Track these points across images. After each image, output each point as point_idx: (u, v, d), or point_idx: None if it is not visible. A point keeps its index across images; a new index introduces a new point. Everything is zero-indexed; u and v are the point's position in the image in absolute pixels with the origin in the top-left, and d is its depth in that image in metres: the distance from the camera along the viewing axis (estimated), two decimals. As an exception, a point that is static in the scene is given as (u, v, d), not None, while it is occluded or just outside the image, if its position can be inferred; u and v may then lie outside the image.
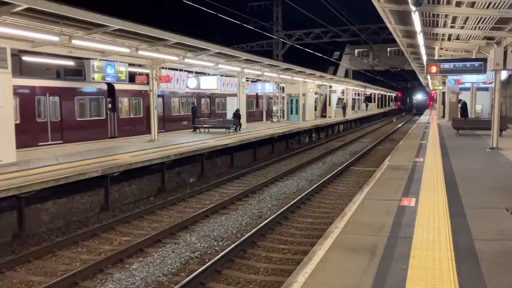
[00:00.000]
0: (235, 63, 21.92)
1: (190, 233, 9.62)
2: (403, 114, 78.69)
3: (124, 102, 21.23)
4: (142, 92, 21.96)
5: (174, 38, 14.43)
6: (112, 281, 7.10)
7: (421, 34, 14.68)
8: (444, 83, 32.59)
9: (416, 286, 4.23)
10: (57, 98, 17.47)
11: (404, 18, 13.51)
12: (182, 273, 7.44)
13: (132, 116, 21.76)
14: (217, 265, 7.55)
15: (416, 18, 11.87)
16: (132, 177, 12.94)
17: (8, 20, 10.29)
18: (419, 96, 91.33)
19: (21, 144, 13.80)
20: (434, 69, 15.52)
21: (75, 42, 11.81)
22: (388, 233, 5.92)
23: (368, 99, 63.77)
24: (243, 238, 8.79)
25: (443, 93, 35.56)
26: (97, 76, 15.64)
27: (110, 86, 19.91)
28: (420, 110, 78.93)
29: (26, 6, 9.17)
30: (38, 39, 11.75)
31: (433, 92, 58.01)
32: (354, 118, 43.98)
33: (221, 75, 23.75)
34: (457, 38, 16.90)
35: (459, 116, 24.12)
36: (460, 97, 28.45)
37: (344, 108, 42.95)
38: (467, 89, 25.79)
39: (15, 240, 9.22)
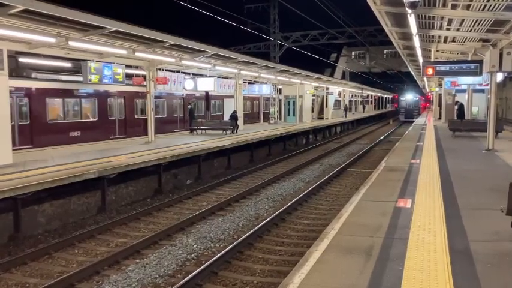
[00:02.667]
0: (232, 64, 21.94)
1: (187, 234, 9.62)
2: (391, 121, 57.83)
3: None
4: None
5: (171, 39, 14.45)
6: (108, 282, 7.09)
7: (417, 36, 14.75)
8: (440, 84, 32.69)
9: (411, 287, 4.24)
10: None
11: (400, 21, 13.56)
12: (179, 275, 7.45)
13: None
14: (214, 266, 7.56)
15: (412, 20, 11.92)
16: (129, 178, 12.93)
17: (4, 21, 10.27)
18: (408, 97, 57.92)
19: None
20: (430, 71, 15.59)
21: (72, 43, 11.80)
22: (384, 234, 5.94)
23: (365, 101, 63.82)
24: (239, 239, 8.80)
25: (440, 95, 35.67)
26: (94, 78, 15.60)
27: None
28: (410, 116, 53.63)
29: (22, 7, 9.17)
30: (35, 40, 11.74)
31: (429, 93, 58.23)
32: (351, 120, 44.05)
33: (218, 77, 23.77)
34: (453, 40, 16.96)
35: (456, 118, 24.19)
36: (456, 99, 28.53)
37: (346, 109, 44.76)
38: (464, 90, 25.87)
39: (11, 242, 9.20)
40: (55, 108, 18.02)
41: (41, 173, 10.62)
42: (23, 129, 16.45)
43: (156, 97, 23.13)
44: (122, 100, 21.54)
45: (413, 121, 41.07)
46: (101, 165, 12.01)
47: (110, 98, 20.69)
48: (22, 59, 18.23)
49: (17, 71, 17.60)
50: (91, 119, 19.72)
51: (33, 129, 16.81)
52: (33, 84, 17.08)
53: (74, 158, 13.25)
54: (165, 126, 24.10)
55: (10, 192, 8.94)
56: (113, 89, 20.38)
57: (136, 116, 22.50)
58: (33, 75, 18.16)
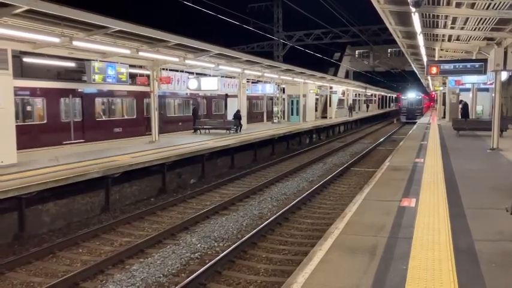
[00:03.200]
0: (236, 64, 21.94)
1: (191, 233, 9.63)
2: (395, 120, 54.57)
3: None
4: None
5: (174, 39, 14.46)
6: (112, 281, 7.11)
7: (421, 35, 14.72)
8: (445, 83, 32.58)
9: (416, 286, 4.23)
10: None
11: (404, 19, 13.53)
12: (182, 274, 7.46)
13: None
14: (218, 266, 7.57)
15: (416, 19, 11.89)
16: (133, 178, 12.95)
17: (9, 21, 10.31)
18: (410, 96, 51.54)
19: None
20: (434, 70, 15.54)
21: (76, 43, 11.82)
22: (388, 234, 5.93)
23: (368, 100, 63.67)
24: (243, 239, 8.80)
25: (444, 94, 35.55)
26: (97, 77, 15.64)
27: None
28: (413, 116, 47.73)
29: (26, 7, 9.20)
30: (39, 40, 11.77)
31: (433, 92, 57.98)
32: (355, 119, 43.99)
33: (222, 76, 23.78)
34: (457, 39, 16.92)
35: (460, 117, 24.11)
36: (460, 98, 28.44)
37: (350, 109, 45.44)
38: (468, 89, 25.78)
39: (16, 241, 9.24)
40: (102, 107, 20.38)
41: (45, 173, 10.65)
42: (77, 126, 18.71)
43: (180, 96, 26.00)
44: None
45: (416, 122, 36.22)
46: (104, 164, 12.04)
47: (146, 98, 21.78)
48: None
49: (73, 75, 19.96)
50: (131, 117, 22.21)
51: (85, 126, 19.01)
52: (85, 86, 18.98)
53: (78, 157, 13.28)
54: (187, 124, 25.56)
55: (14, 191, 8.98)
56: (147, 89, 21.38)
57: (167, 115, 25.05)
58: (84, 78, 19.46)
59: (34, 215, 9.91)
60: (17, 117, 14.27)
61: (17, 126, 12.23)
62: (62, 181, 10.15)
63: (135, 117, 22.40)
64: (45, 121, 17.45)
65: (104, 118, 20.46)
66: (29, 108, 17.16)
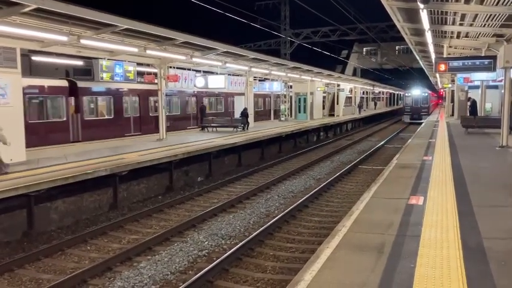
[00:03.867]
0: (243, 62, 21.93)
1: (198, 231, 9.65)
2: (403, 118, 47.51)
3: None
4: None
5: (181, 37, 14.47)
6: (120, 279, 7.14)
7: (430, 32, 14.59)
8: (453, 81, 32.34)
9: (423, 284, 4.21)
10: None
11: (412, 16, 13.42)
12: (190, 272, 7.48)
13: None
14: (225, 263, 7.58)
15: (424, 15, 11.79)
16: (141, 176, 13.01)
17: (17, 20, 10.38)
18: (415, 92, 45.51)
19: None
20: (443, 67, 15.40)
21: (83, 42, 11.89)
22: (396, 232, 5.90)
23: (376, 98, 63.29)
24: (250, 236, 8.81)
25: (453, 91, 35.30)
26: (105, 76, 15.73)
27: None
28: (418, 116, 43.25)
29: (34, 6, 9.25)
30: (47, 39, 11.84)
31: (442, 90, 57.53)
32: (363, 117, 43.82)
33: (229, 75, 23.80)
34: (466, 36, 16.76)
35: (468, 114, 23.92)
36: (469, 95, 28.22)
37: (360, 106, 46.22)
38: (477, 87, 25.56)
39: (25, 238, 9.31)
40: (156, 104, 21.94)
41: (54, 171, 10.72)
42: (135, 121, 21.23)
43: (209, 94, 27.92)
44: (194, 98, 26.57)
45: (422, 122, 32.42)
46: (112, 162, 12.10)
47: (191, 97, 25.06)
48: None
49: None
50: (177, 113, 24.84)
51: (141, 121, 21.41)
52: (142, 86, 21.40)
53: (87, 155, 13.35)
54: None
55: (23, 189, 9.05)
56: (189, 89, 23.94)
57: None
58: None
59: (43, 213, 9.98)
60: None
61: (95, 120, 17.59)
62: (70, 179, 10.21)
63: (179, 113, 25.15)
64: (112, 116, 20.07)
65: (156, 114, 21.44)
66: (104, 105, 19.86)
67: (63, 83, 17.88)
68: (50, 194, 9.98)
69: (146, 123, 21.98)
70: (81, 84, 18.41)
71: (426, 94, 45.33)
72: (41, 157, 12.77)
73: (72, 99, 18.02)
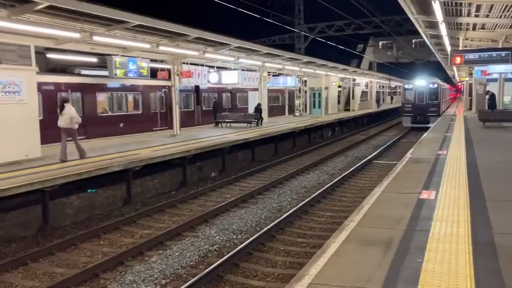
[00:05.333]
0: (256, 57, 21.89)
1: (210, 226, 9.69)
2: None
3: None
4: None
5: (194, 32, 14.51)
6: (131, 273, 7.22)
7: (444, 24, 14.37)
8: (471, 74, 31.81)
9: (430, 279, 4.16)
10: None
11: (425, 8, 13.25)
12: (200, 266, 7.52)
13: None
14: (235, 258, 7.60)
15: (437, 7, 11.62)
16: (155, 171, 13.10)
17: (31, 18, 10.53)
18: (419, 83, 30.99)
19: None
20: (458, 60, 15.18)
21: (96, 38, 11.99)
22: (406, 226, 5.83)
23: (393, 92, 62.50)
24: (261, 231, 8.81)
25: (471, 84, 34.71)
26: (119, 72, 15.83)
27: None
28: (423, 118, 30.23)
29: (47, 3, 9.37)
30: (60, 36, 11.98)
31: (460, 83, 56.59)
32: (379, 111, 43.40)
33: (243, 70, 23.78)
34: (482, 27, 16.49)
35: (486, 108, 23.51)
36: (487, 88, 27.72)
37: (378, 101, 46.72)
38: (495, 79, 25.10)
39: (39, 233, 9.47)
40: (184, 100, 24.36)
41: (68, 166, 10.87)
42: (163, 116, 22.30)
43: (239, 90, 29.41)
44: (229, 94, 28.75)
45: (428, 127, 22.98)
46: (126, 158, 12.21)
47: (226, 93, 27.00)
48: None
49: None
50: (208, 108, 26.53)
51: (167, 116, 22.03)
52: (167, 83, 21.98)
53: (101, 151, 13.49)
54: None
55: (38, 184, 9.20)
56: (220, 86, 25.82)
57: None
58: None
59: (57, 208, 10.13)
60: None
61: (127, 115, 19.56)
62: (84, 174, 10.34)
63: (204, 109, 26.60)
64: (140, 111, 21.04)
65: (183, 109, 23.37)
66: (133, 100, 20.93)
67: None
68: (64, 189, 10.12)
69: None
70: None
71: (435, 86, 30.60)
72: (56, 153, 12.93)
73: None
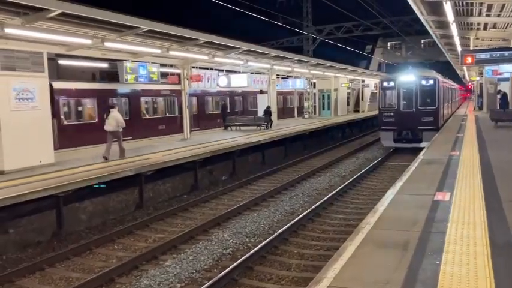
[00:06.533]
0: (265, 60, 21.91)
1: (223, 229, 9.71)
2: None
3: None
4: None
5: (203, 37, 14.57)
6: (147, 277, 7.26)
7: (454, 24, 14.28)
8: (481, 73, 31.57)
9: (449, 282, 4.13)
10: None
11: (436, 8, 13.18)
12: (215, 270, 7.53)
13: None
14: (250, 261, 7.60)
15: (448, 8, 11.56)
16: (166, 175, 13.16)
17: (43, 25, 10.64)
18: (407, 79, 19.52)
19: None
20: (469, 59, 15.07)
21: (107, 44, 12.10)
22: (421, 228, 5.79)
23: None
24: (274, 234, 8.82)
25: (481, 84, 34.42)
26: (130, 77, 15.96)
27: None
28: (413, 136, 19.35)
29: (59, 11, 9.47)
30: (72, 42, 12.09)
31: (470, 83, 56.08)
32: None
33: (252, 73, 23.83)
34: (494, 27, 16.36)
35: (498, 107, 23.30)
36: (499, 88, 27.50)
37: None
38: (507, 79, 24.88)
39: (54, 238, 9.55)
40: (210, 104, 25.99)
41: (81, 171, 10.96)
42: (195, 118, 23.25)
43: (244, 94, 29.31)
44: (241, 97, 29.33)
45: (422, 148, 15.48)
46: (138, 162, 12.28)
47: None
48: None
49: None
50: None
51: (199, 118, 23.98)
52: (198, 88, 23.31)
53: (114, 156, 13.56)
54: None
55: (52, 190, 9.28)
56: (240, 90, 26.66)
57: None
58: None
59: (71, 213, 10.21)
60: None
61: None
62: (96, 180, 10.42)
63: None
64: (177, 114, 22.33)
65: (211, 112, 25.52)
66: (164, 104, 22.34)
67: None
68: (78, 194, 10.20)
69: (203, 120, 24.63)
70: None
71: (431, 83, 19.79)
72: (68, 159, 13.05)
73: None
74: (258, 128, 22.92)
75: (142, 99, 20.72)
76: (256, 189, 13.76)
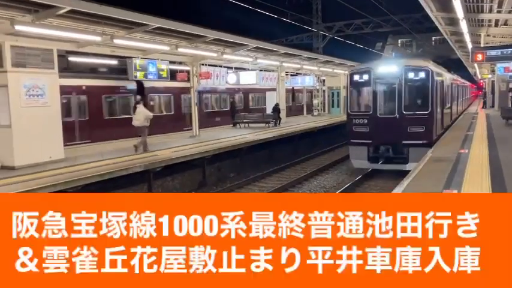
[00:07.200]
0: (274, 57, 21.91)
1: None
2: None
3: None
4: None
5: (212, 34, 14.63)
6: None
7: (465, 21, 14.14)
8: (493, 71, 31.27)
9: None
10: None
11: (445, 5, 13.06)
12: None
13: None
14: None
15: (457, 4, 11.45)
16: (175, 172, 13.25)
17: (53, 22, 10.76)
18: (387, 70, 13.77)
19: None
20: (480, 57, 14.96)
21: (116, 41, 12.19)
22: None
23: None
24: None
25: (493, 82, 34.11)
26: (139, 74, 16.03)
27: None
28: (396, 152, 13.78)
29: (69, 8, 9.58)
30: (82, 39, 12.19)
31: (481, 81, 55.57)
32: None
33: (260, 70, 23.83)
34: (505, 24, 16.18)
35: (510, 105, 23.09)
36: (511, 85, 27.24)
37: None
38: (518, 76, 24.65)
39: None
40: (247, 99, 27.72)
41: (91, 167, 11.07)
42: (221, 114, 25.14)
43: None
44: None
45: (407, 172, 10.34)
46: (147, 159, 12.37)
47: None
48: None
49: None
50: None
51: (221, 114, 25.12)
52: (225, 86, 23.60)
53: (123, 152, 13.68)
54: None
55: (61, 185, 9.39)
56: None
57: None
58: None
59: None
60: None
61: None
62: (106, 175, 10.52)
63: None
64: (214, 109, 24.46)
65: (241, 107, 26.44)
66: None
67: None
68: (87, 190, 10.28)
69: (224, 116, 25.15)
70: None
71: (422, 77, 13.73)
72: (78, 155, 13.18)
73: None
74: (267, 125, 22.94)
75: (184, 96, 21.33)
76: (264, 186, 13.79)
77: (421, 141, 13.42)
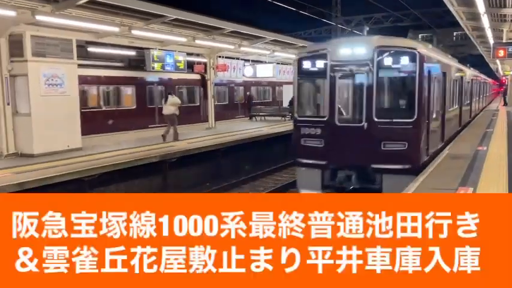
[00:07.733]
0: (292, 50, 21.80)
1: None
2: None
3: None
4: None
5: (229, 26, 14.62)
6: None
7: (486, 15, 13.86)
8: (516, 68, 30.65)
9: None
10: None
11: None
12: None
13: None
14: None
15: (480, -2, 11.24)
16: (190, 163, 13.33)
17: (73, 13, 10.88)
18: (350, 52, 8.61)
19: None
20: (501, 53, 14.67)
21: (134, 32, 12.28)
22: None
23: None
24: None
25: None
26: (156, 66, 16.16)
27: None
28: (362, 180, 8.66)
29: (88, -2, 9.68)
30: (101, 30, 12.32)
31: (504, 77, 54.41)
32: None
33: (278, 63, 23.77)
34: (529, 19, 15.83)
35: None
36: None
37: None
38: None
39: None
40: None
41: (108, 157, 11.21)
42: (244, 105, 25.35)
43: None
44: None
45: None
46: (163, 149, 12.48)
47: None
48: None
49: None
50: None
51: (245, 106, 25.24)
52: (243, 79, 23.99)
53: (140, 142, 13.82)
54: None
55: (77, 174, 9.54)
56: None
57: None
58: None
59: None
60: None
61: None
62: (122, 165, 10.65)
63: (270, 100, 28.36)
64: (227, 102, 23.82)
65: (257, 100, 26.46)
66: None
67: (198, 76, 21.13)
68: (103, 179, 10.44)
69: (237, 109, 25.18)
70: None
71: (404, 63, 8.47)
72: (95, 144, 13.35)
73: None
74: (283, 118, 22.88)
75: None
76: (279, 179, 13.80)
77: (400, 166, 8.88)
